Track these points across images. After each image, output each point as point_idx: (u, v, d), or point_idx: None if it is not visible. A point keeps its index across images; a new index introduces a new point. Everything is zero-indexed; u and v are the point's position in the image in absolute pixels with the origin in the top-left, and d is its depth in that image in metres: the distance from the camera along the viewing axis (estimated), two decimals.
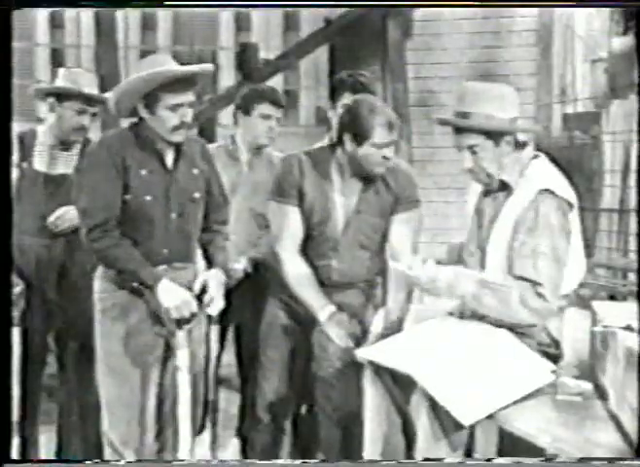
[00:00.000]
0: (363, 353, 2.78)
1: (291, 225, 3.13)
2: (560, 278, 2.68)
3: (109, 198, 2.89)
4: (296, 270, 3.13)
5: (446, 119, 2.84)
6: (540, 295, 2.63)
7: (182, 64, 2.94)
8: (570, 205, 2.74)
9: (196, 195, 3.04)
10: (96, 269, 3.03)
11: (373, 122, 2.99)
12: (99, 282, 3.02)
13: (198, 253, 3.16)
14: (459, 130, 2.77)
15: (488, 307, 2.67)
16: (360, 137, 3.01)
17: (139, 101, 2.91)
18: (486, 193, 2.87)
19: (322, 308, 3.07)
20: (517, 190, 2.76)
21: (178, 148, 3.00)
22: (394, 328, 3.00)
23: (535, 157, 2.82)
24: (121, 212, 2.91)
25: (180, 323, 2.90)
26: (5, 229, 2.80)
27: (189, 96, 2.90)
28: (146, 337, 2.99)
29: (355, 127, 3.02)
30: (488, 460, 2.57)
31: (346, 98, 3.34)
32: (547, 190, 2.70)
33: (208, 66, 2.99)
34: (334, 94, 3.48)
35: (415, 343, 2.71)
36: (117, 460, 2.99)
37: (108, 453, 3.04)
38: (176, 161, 3.01)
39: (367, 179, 3.13)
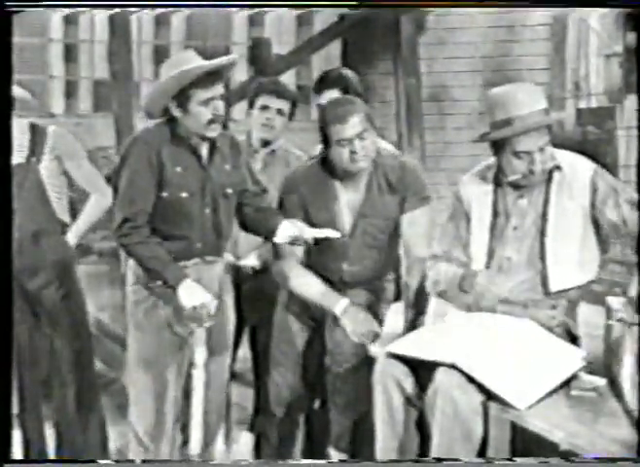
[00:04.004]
0: (393, 348, 2.75)
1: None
2: None
3: (141, 193, 2.92)
4: (300, 280, 3.18)
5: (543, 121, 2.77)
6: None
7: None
8: None
9: (229, 190, 3.07)
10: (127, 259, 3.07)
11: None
12: (132, 274, 3.06)
13: (228, 247, 3.21)
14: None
15: None
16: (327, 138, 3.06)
17: (170, 101, 2.93)
18: (520, 195, 2.85)
19: (336, 303, 3.10)
20: (569, 173, 2.83)
21: (212, 144, 3.02)
22: (416, 321, 3.01)
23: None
24: (156, 209, 2.94)
25: (199, 322, 2.93)
26: (5, 229, 2.81)
27: (219, 89, 2.93)
28: (174, 330, 3.03)
29: (322, 129, 3.07)
30: (509, 460, 2.58)
31: (326, 95, 3.40)
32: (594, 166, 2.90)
33: (234, 57, 3.03)
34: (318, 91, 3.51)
35: (446, 336, 2.73)
36: (117, 460, 3.03)
37: (133, 445, 3.08)
38: (210, 156, 3.03)
39: (368, 181, 3.13)
